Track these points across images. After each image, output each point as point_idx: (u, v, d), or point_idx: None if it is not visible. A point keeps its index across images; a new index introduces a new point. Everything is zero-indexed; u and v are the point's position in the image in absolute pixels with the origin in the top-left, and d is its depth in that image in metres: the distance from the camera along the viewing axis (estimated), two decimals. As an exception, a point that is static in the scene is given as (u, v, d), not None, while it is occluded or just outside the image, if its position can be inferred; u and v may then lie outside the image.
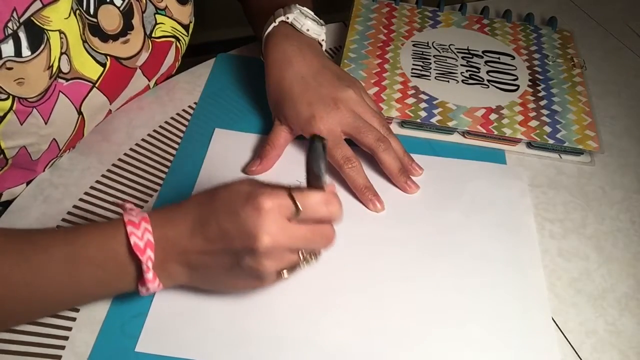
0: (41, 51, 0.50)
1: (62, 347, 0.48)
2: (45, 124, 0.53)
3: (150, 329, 0.49)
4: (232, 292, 0.51)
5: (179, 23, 0.66)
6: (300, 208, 0.44)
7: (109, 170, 0.61)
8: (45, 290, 0.45)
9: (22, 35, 0.48)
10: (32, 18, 0.49)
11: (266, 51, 0.64)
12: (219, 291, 0.50)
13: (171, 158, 0.62)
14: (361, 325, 0.50)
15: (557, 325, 0.51)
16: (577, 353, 0.50)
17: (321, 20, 0.65)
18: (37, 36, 0.49)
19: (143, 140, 0.64)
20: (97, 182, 0.60)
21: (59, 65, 0.52)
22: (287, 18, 0.63)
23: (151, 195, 0.59)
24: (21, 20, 0.48)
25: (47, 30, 0.50)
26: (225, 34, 1.49)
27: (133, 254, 0.44)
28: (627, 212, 0.61)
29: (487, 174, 0.62)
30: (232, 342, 0.48)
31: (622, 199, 0.62)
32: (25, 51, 0.49)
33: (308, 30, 0.64)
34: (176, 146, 0.64)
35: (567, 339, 0.51)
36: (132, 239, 0.44)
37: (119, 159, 0.62)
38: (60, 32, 0.52)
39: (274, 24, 0.64)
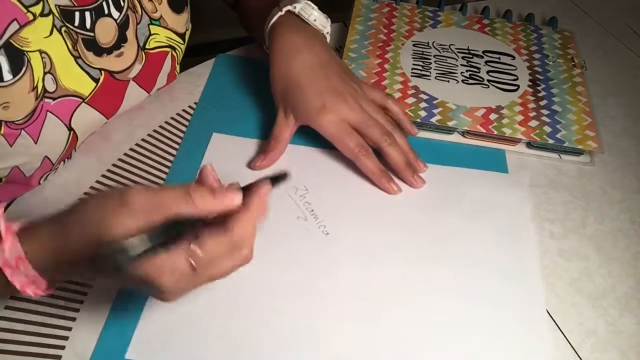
0: (23, 73, 0.48)
1: (62, 347, 0.48)
2: (35, 143, 0.52)
3: (141, 336, 0.48)
4: None
5: (175, 32, 0.64)
6: (200, 265, 0.40)
7: (109, 170, 0.61)
8: None
9: (3, 59, 0.47)
10: (10, 40, 0.47)
11: (272, 40, 0.63)
12: None
13: (171, 158, 0.62)
14: (359, 333, 0.49)
15: (557, 325, 0.51)
16: (577, 353, 0.50)
17: (326, 14, 0.65)
18: (17, 59, 0.48)
19: (143, 140, 0.64)
20: (97, 182, 0.60)
21: (43, 86, 0.51)
22: (294, 8, 0.63)
23: (151, 195, 0.59)
24: (0, 44, 0.47)
25: (26, 51, 0.49)
26: (225, 34, 1.49)
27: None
28: (627, 212, 0.61)
29: (487, 182, 0.62)
30: (226, 350, 0.48)
31: (622, 199, 0.62)
32: (7, 75, 0.47)
33: (315, 20, 0.64)
34: (176, 146, 0.64)
35: (567, 339, 0.51)
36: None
37: (119, 159, 0.62)
38: (41, 52, 0.50)
39: (280, 13, 0.63)
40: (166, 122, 0.66)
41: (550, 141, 0.65)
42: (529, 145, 0.66)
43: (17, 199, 0.58)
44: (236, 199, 0.41)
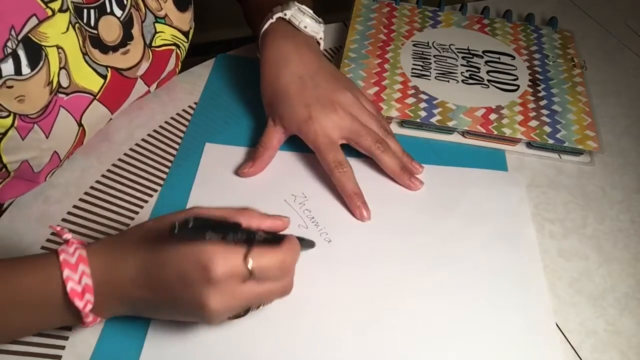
0: (40, 68, 0.49)
1: (62, 347, 0.48)
2: (47, 138, 0.52)
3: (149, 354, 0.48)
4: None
5: (179, 30, 0.64)
6: (255, 272, 0.42)
7: (109, 170, 0.61)
8: None
9: (22, 53, 0.47)
10: (29, 35, 0.48)
11: (262, 48, 0.63)
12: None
13: (171, 158, 0.62)
14: (360, 341, 0.49)
15: (557, 325, 0.51)
16: (577, 353, 0.50)
17: (319, 19, 0.65)
18: (35, 53, 0.48)
19: (143, 140, 0.64)
20: (97, 182, 0.60)
21: (58, 81, 0.52)
22: (285, 14, 0.63)
23: (151, 195, 0.59)
24: (19, 38, 0.47)
25: (44, 46, 0.49)
26: (225, 34, 1.49)
27: (70, 297, 0.42)
28: (627, 212, 0.61)
29: (485, 182, 0.62)
30: (230, 355, 0.47)
31: (622, 199, 0.62)
32: (25, 69, 0.48)
33: (306, 27, 0.63)
34: (176, 146, 0.64)
35: (567, 339, 0.51)
36: (69, 285, 0.41)
37: (119, 159, 0.62)
38: (58, 47, 0.51)
39: (271, 21, 0.63)
40: (166, 122, 0.66)
41: (550, 141, 0.65)
42: (529, 145, 0.66)
43: (17, 200, 0.58)
44: (285, 219, 0.48)
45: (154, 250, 0.43)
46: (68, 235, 0.44)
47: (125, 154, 0.63)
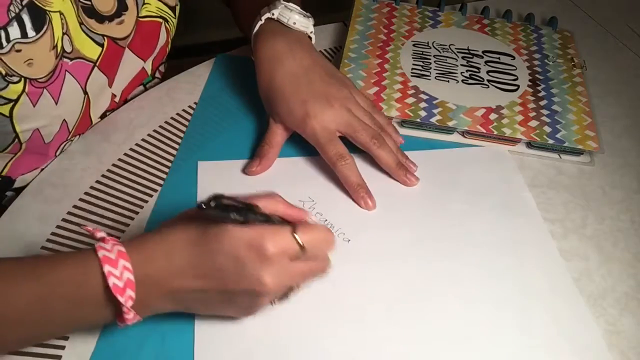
0: (45, 31, 0.51)
1: (62, 347, 0.48)
2: (56, 104, 0.55)
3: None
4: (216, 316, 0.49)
5: (165, 4, 0.66)
6: (306, 248, 0.43)
7: (109, 170, 0.61)
8: (14, 324, 0.42)
9: (26, 17, 0.50)
10: (33, 0, 0.50)
11: (255, 50, 0.63)
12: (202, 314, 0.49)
13: (171, 158, 0.62)
14: (375, 338, 0.49)
15: (557, 325, 0.51)
16: (577, 353, 0.50)
17: (307, 13, 0.65)
18: (39, 17, 0.51)
19: (143, 140, 0.64)
20: (97, 182, 0.60)
21: (62, 45, 0.54)
22: (273, 14, 0.63)
23: (151, 195, 0.59)
24: (23, 3, 0.49)
25: (48, 11, 0.52)
26: (225, 34, 1.49)
27: (111, 292, 0.41)
28: (627, 212, 0.61)
29: (472, 158, 0.64)
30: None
31: (622, 199, 0.62)
32: (30, 32, 0.50)
33: (295, 23, 0.63)
34: (176, 146, 0.64)
35: (567, 339, 0.51)
36: (111, 280, 0.40)
37: (119, 159, 0.62)
38: (60, 13, 0.53)
39: (260, 22, 0.63)
40: (166, 122, 0.66)
41: (550, 141, 0.65)
42: (529, 145, 0.66)
43: (17, 200, 0.58)
44: (306, 211, 0.48)
45: (200, 240, 0.43)
46: (102, 234, 0.43)
47: (125, 154, 0.63)
